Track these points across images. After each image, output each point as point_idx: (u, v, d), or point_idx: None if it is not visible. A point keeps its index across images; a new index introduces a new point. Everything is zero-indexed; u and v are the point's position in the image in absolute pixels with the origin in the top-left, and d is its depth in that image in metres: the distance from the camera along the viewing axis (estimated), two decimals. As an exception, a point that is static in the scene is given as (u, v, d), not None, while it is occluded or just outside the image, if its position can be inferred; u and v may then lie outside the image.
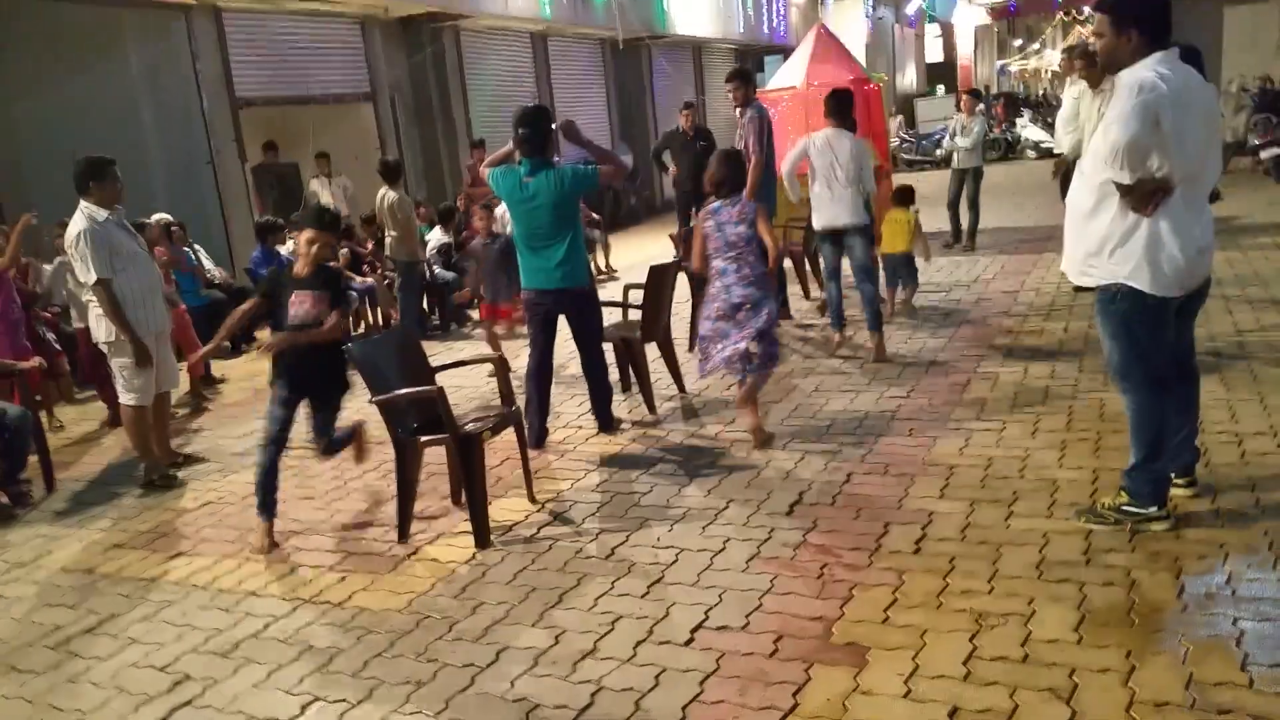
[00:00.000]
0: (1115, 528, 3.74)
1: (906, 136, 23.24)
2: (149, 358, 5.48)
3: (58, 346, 7.41)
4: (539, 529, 4.46)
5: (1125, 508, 3.74)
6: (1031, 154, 21.09)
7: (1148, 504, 3.70)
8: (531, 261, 5.38)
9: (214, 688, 3.39)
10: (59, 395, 7.78)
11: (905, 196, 8.20)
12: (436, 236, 10.35)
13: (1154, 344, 3.56)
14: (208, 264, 9.49)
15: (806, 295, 8.93)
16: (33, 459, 5.73)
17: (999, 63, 42.41)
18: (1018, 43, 48.15)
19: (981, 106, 11.71)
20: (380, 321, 9.81)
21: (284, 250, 8.79)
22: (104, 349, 5.56)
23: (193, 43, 10.52)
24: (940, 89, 29.88)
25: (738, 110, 7.86)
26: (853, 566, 3.75)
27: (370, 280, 9.70)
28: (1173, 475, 3.84)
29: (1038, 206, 13.29)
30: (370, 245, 10.24)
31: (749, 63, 24.19)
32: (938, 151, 18.55)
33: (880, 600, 3.48)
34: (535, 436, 5.44)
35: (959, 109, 11.43)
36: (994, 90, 33.95)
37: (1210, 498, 3.93)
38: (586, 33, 17.38)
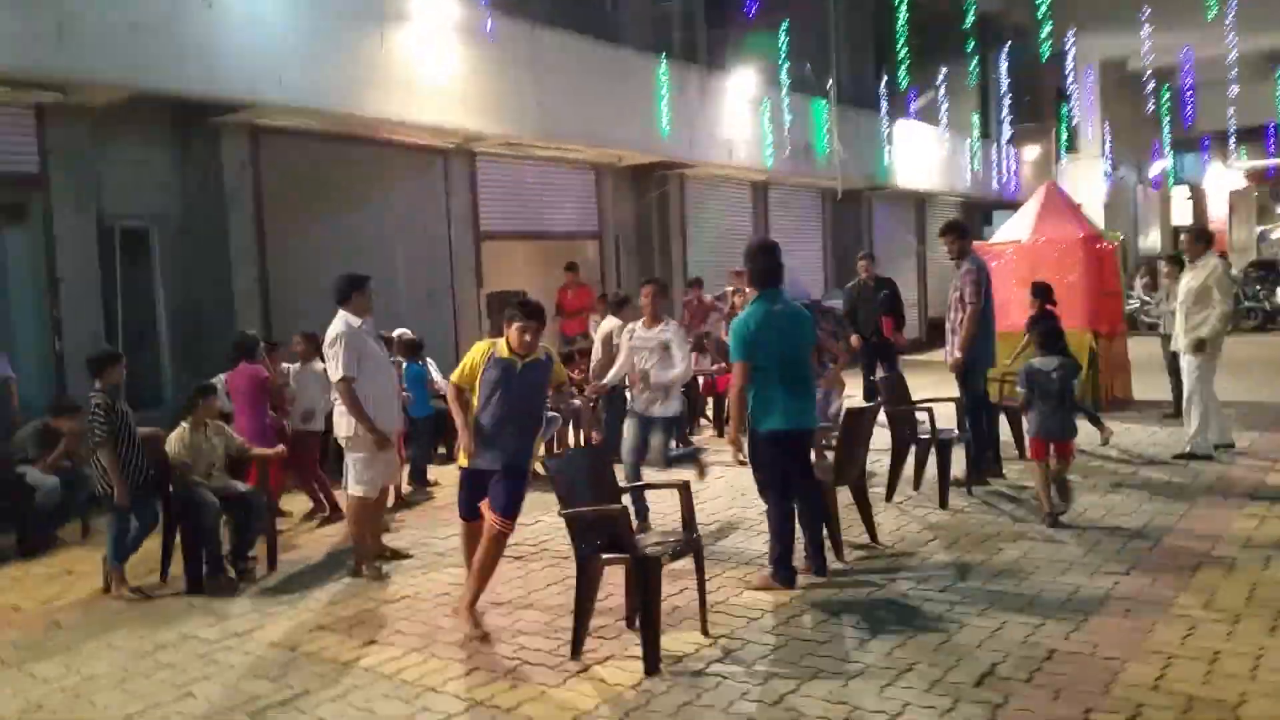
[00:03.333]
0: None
1: (1147, 299, 21.92)
2: (389, 444, 5.97)
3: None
4: (708, 664, 4.38)
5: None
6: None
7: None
8: (788, 401, 5.28)
9: (381, 778, 3.51)
10: (290, 485, 8.54)
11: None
12: None
13: None
14: (436, 376, 10.21)
15: (1022, 455, 8.46)
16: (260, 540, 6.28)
17: (1259, 228, 39.55)
18: (1280, 208, 44.78)
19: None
20: (582, 443, 10.13)
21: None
22: (342, 443, 6.08)
23: (448, 181, 11.71)
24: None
25: (954, 262, 7.78)
26: (1044, 751, 3.43)
27: (577, 402, 10.09)
28: None
29: (1296, 381, 12.09)
30: (580, 372, 10.70)
31: (975, 215, 23.96)
32: (1143, 318, 17.57)
33: (1072, 793, 3.14)
34: (789, 576, 5.36)
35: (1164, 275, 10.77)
36: (1252, 257, 31.60)
37: None
38: (807, 182, 17.85)
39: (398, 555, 6.36)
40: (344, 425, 5.99)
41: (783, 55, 15.38)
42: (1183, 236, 8.58)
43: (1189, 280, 8.22)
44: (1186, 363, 8.23)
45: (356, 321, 5.98)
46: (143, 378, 9.12)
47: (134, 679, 4.52)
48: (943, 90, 20.57)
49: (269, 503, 6.43)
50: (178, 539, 5.99)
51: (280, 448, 7.02)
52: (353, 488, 6.01)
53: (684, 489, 5.03)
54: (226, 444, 6.35)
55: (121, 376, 6.01)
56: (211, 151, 9.46)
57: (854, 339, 10.25)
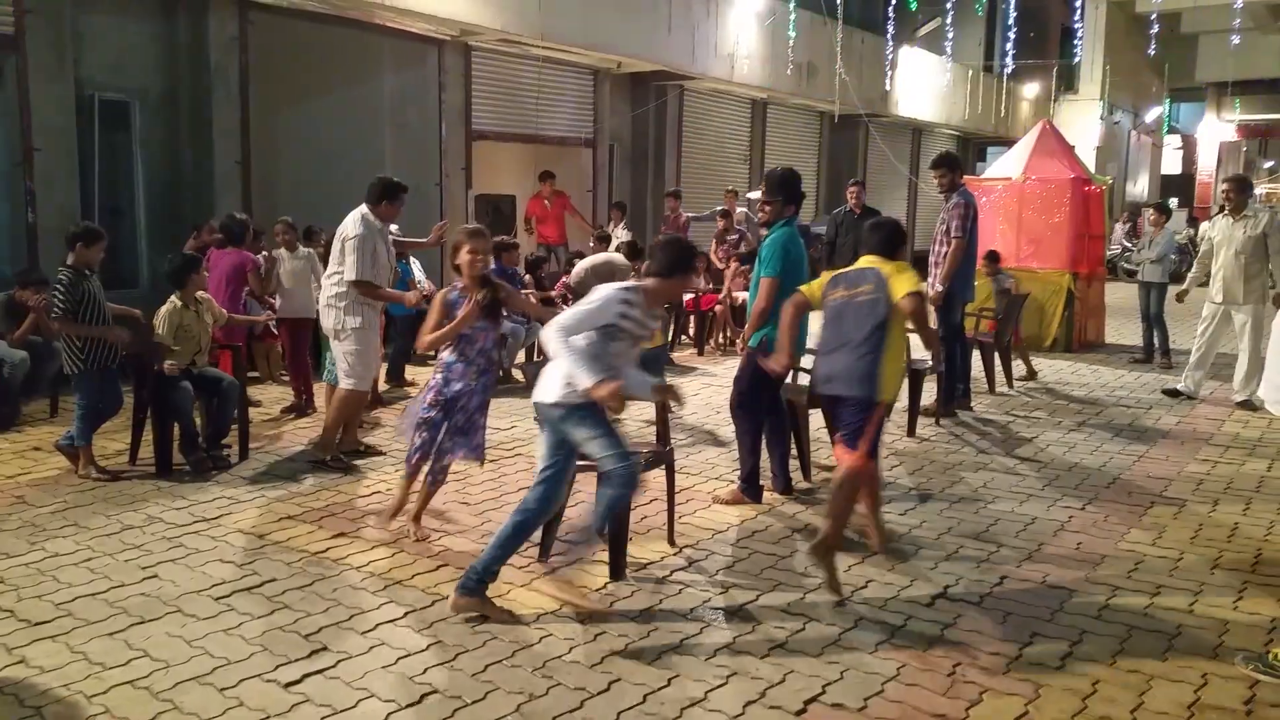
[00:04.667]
0: (1288, 683, 3.40)
1: (1129, 245, 22.03)
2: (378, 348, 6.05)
3: (275, 330, 8.12)
4: (672, 571, 4.49)
5: (1303, 664, 3.40)
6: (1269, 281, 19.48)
7: (1331, 664, 3.35)
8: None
9: (347, 661, 3.61)
10: (267, 373, 8.55)
11: None
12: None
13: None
14: (420, 276, 10.15)
15: (992, 389, 8.60)
16: (234, 427, 6.30)
17: (1246, 182, 39.46)
18: (1268, 164, 44.72)
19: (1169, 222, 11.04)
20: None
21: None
22: (330, 334, 6.07)
23: (441, 74, 11.43)
24: (1174, 201, 28.18)
25: (943, 195, 7.77)
26: (988, 670, 3.58)
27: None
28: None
29: (1266, 335, 12.24)
30: (561, 288, 10.66)
31: (971, 149, 23.78)
32: (1123, 264, 17.73)
33: (1009, 710, 3.30)
34: (757, 492, 5.50)
35: (1150, 223, 10.77)
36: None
37: None
38: (806, 104, 17.60)
39: (371, 451, 6.41)
40: (331, 318, 5.98)
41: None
42: (1224, 184, 8.39)
43: (1242, 229, 8.03)
44: (1253, 314, 8.02)
45: (378, 224, 5.95)
46: (118, 256, 9.01)
47: (99, 558, 4.56)
48: (949, 18, 20.15)
49: (240, 389, 6.43)
50: (149, 421, 5.99)
51: (266, 315, 7.03)
52: (344, 380, 6.02)
53: (660, 404, 5.08)
54: (215, 317, 6.32)
55: (99, 256, 5.90)
56: (198, 25, 9.17)
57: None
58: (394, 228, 6.32)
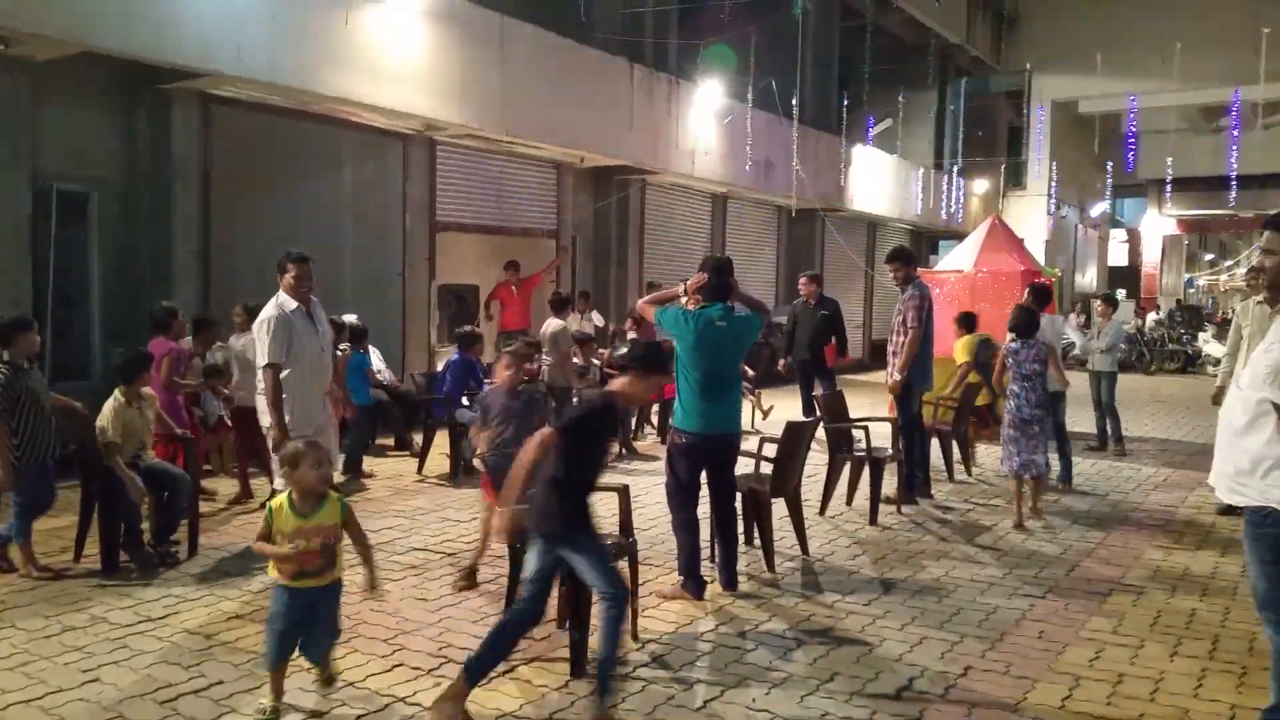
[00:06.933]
0: (1252, 773, 3.37)
1: (1075, 337, 22.55)
2: (280, 444, 5.79)
3: (228, 421, 7.98)
4: (635, 668, 4.40)
5: (1265, 752, 3.37)
6: (1211, 369, 20.02)
7: (1290, 752, 3.33)
8: (704, 406, 5.31)
9: (295, 766, 3.46)
10: (220, 467, 8.37)
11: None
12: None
13: (1309, 579, 3.28)
14: (379, 364, 10.10)
15: (951, 477, 8.66)
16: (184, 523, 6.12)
17: (1187, 275, 40.96)
18: (1209, 257, 46.52)
19: (1115, 313, 11.31)
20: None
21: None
22: (264, 431, 5.91)
23: (406, 168, 11.58)
24: (1122, 292, 29.04)
25: (899, 288, 7.94)
26: (954, 766, 3.52)
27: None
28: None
29: (1212, 425, 12.51)
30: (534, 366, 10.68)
31: (923, 243, 24.42)
32: (1073, 353, 18.01)
33: (978, 807, 3.23)
34: (701, 587, 5.35)
35: (1099, 314, 11.06)
36: (1181, 301, 32.75)
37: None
38: (765, 198, 18.04)
39: None
40: (266, 415, 5.81)
41: (750, 71, 15.51)
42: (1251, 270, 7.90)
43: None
44: None
45: (291, 305, 5.79)
46: (70, 348, 8.87)
47: (36, 662, 4.37)
48: (900, 118, 20.93)
49: (195, 484, 6.27)
50: (95, 517, 5.81)
51: (183, 431, 6.80)
52: (276, 480, 5.87)
53: (623, 493, 5.06)
54: (155, 415, 6.20)
55: (34, 345, 5.70)
56: (160, 118, 9.21)
57: (781, 364, 10.54)
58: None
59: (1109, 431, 10.44)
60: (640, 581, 4.94)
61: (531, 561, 4.02)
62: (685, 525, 5.37)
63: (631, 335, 11.44)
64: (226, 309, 8.39)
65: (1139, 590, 5.63)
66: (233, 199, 9.80)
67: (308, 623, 3.90)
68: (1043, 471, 7.18)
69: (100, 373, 8.90)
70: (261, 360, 5.72)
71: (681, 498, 5.39)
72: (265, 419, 5.85)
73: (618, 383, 4.24)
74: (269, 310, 5.78)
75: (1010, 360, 7.24)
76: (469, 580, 5.48)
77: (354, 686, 4.15)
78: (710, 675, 4.32)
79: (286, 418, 5.67)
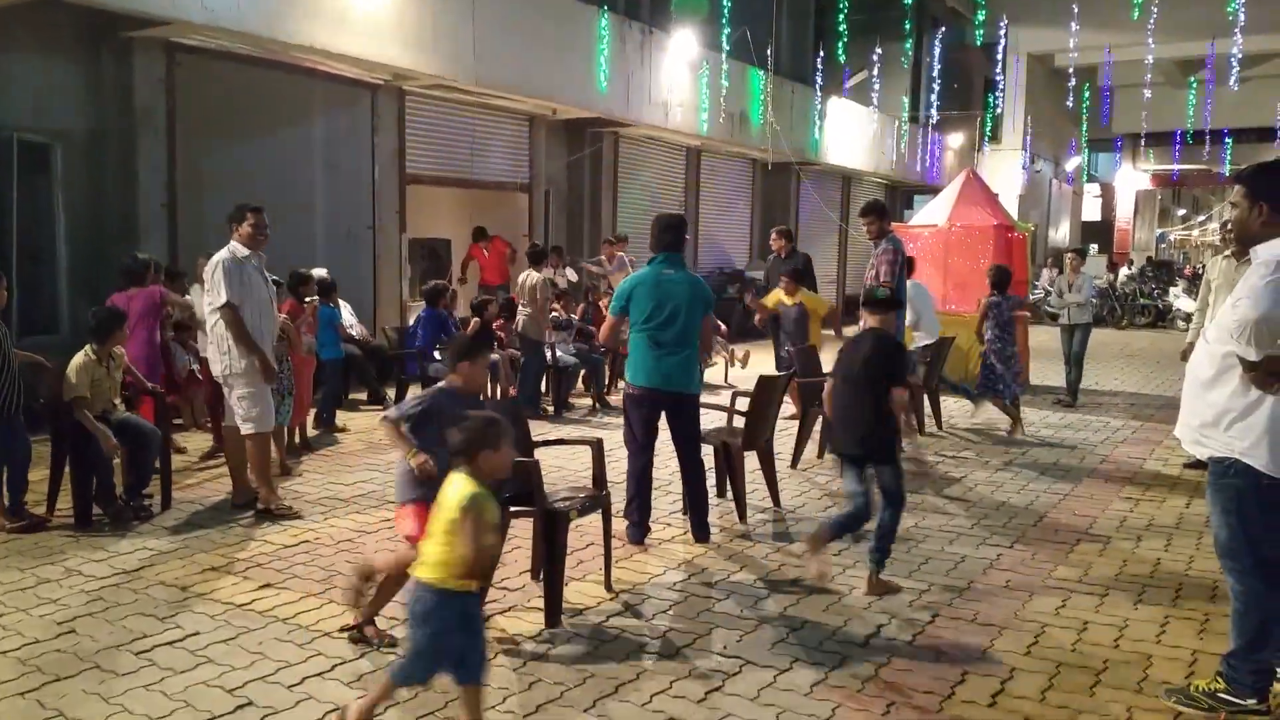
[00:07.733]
0: (1207, 714, 3.49)
1: (1049, 289, 22.77)
2: (273, 374, 5.89)
3: (200, 376, 7.91)
4: (609, 617, 4.46)
5: (1221, 694, 3.49)
6: (1182, 324, 20.31)
7: (1246, 695, 3.44)
8: (653, 362, 5.39)
9: (272, 716, 3.49)
10: (191, 421, 8.31)
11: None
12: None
13: (1266, 528, 3.37)
14: (350, 319, 10.02)
15: (921, 430, 8.75)
16: (155, 477, 6.10)
17: (1159, 230, 41.35)
18: (1181, 212, 46.93)
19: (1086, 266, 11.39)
20: (498, 396, 10.11)
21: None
22: (220, 380, 5.92)
23: (375, 118, 11.40)
24: (1094, 247, 29.28)
25: (873, 242, 7.94)
26: (921, 709, 3.60)
27: (495, 356, 10.05)
28: (1278, 669, 3.56)
29: (1181, 380, 12.72)
30: (502, 321, 10.64)
31: (898, 197, 24.44)
32: (1046, 307, 18.09)
33: (943, 749, 3.32)
34: (639, 533, 5.47)
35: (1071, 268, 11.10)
36: (1152, 257, 33.07)
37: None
38: (739, 151, 17.93)
39: (290, 514, 5.95)
40: (219, 364, 5.85)
41: (725, 20, 15.32)
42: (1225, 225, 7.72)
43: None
44: None
45: (243, 252, 5.85)
46: (38, 302, 8.74)
47: (12, 614, 4.37)
48: (876, 70, 20.80)
49: (165, 438, 6.24)
50: (67, 471, 5.77)
51: (153, 386, 6.73)
52: (244, 426, 5.86)
53: (597, 446, 5.08)
54: (124, 374, 6.14)
55: (0, 299, 5.66)
56: (123, 67, 9.00)
57: (757, 317, 10.49)
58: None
59: (1073, 383, 10.55)
60: (613, 534, 4.96)
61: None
62: (634, 473, 5.51)
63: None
64: (194, 261, 8.28)
65: (1105, 540, 5.75)
66: (199, 151, 9.62)
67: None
68: (1018, 396, 8.89)
69: (69, 327, 8.78)
70: (220, 299, 5.72)
71: (633, 446, 5.54)
72: (219, 365, 5.84)
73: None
74: (221, 254, 5.82)
75: (992, 311, 8.80)
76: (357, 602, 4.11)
77: (330, 637, 4.18)
78: (683, 624, 4.39)
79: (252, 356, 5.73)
